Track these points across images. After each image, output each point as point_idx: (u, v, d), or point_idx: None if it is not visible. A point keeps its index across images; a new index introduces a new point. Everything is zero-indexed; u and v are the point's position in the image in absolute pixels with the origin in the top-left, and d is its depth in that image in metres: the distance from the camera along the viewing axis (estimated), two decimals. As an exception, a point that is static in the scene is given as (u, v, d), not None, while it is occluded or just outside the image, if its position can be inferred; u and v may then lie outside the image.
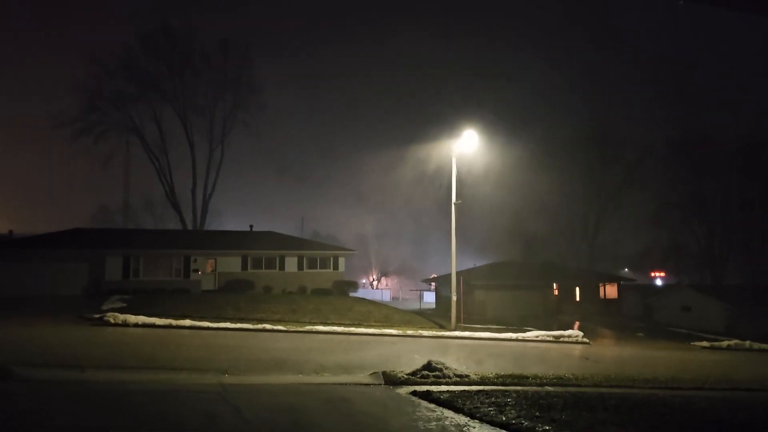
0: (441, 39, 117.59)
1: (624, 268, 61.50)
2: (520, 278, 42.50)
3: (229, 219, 68.50)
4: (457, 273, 29.33)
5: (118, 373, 11.27)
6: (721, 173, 55.34)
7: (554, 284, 44.41)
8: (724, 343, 29.47)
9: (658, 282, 60.45)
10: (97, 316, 21.58)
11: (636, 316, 44.23)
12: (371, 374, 12.34)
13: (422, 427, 7.81)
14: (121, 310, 23.45)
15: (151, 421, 7.75)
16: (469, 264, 51.02)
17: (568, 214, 53.97)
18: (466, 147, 28.63)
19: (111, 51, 72.83)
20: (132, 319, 20.99)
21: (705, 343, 29.85)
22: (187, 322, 21.47)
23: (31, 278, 31.93)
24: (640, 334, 34.16)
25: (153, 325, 20.74)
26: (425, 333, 24.76)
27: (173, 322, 21.37)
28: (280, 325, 23.00)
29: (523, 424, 7.85)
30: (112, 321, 20.62)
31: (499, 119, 51.76)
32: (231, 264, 37.02)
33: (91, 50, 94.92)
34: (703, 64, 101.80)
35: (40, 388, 9.48)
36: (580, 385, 12.49)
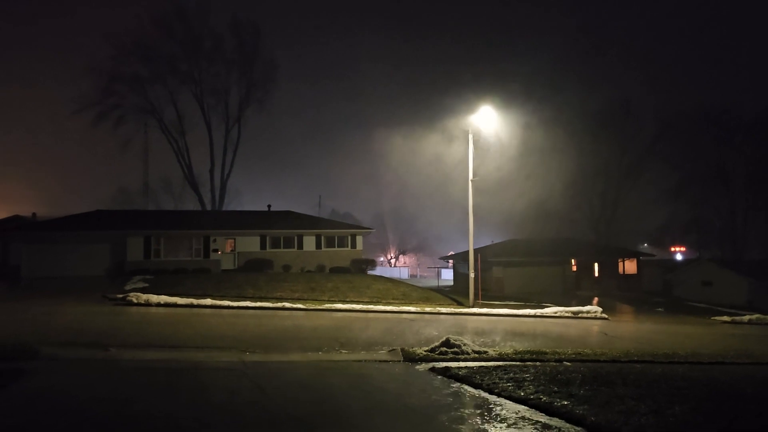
0: (456, 19, 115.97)
1: (644, 244, 60.97)
2: (538, 255, 42.36)
3: (247, 199, 69.17)
4: (475, 250, 29.31)
5: (141, 351, 11.50)
6: (742, 145, 54.34)
7: (573, 260, 44.23)
8: (746, 318, 29.24)
9: (678, 257, 59.89)
10: (120, 296, 21.97)
11: (655, 292, 43.96)
12: (390, 351, 12.46)
13: (441, 403, 7.90)
14: (144, 290, 23.83)
15: (175, 396, 7.94)
16: (487, 241, 50.97)
17: (587, 189, 53.43)
18: (483, 123, 28.39)
19: (126, 34, 73.00)
20: (154, 298, 21.35)
21: (726, 318, 29.63)
22: (208, 301, 21.77)
23: (55, 260, 32.52)
24: (660, 309, 33.97)
25: (175, 305, 21.07)
26: (443, 310, 24.87)
27: (194, 301, 21.68)
28: (299, 303, 23.24)
29: (541, 399, 7.90)
30: (134, 301, 20.98)
31: (516, 95, 51.05)
32: (250, 243, 37.35)
33: (108, 34, 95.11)
34: (724, 36, 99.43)
35: (66, 366, 9.72)
36: (598, 361, 12.48)
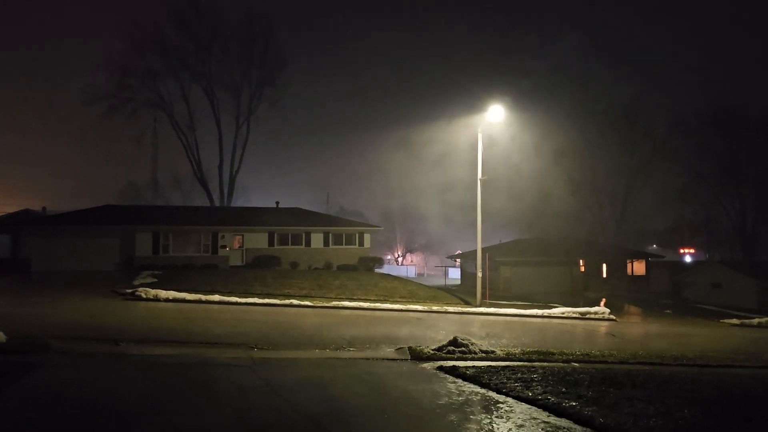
0: (466, 15, 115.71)
1: (652, 245, 60.67)
2: (546, 255, 42.26)
3: (255, 195, 69.34)
4: (483, 249, 29.25)
5: (151, 346, 11.57)
6: (754, 145, 53.80)
7: (581, 261, 44.09)
8: (755, 321, 29.07)
9: (688, 258, 59.57)
10: (130, 291, 22.10)
11: (664, 294, 43.75)
12: (397, 349, 12.47)
13: (449, 402, 7.89)
14: (152, 285, 23.95)
15: (184, 391, 7.98)
16: (495, 240, 50.89)
17: (596, 189, 53.11)
18: (492, 122, 28.30)
19: (141, 28, 73.48)
20: (163, 294, 21.45)
21: (735, 321, 29.45)
22: (216, 297, 21.85)
23: (65, 254, 32.75)
24: (668, 311, 33.81)
25: (183, 300, 21.17)
26: (451, 309, 24.85)
27: (203, 297, 21.77)
28: (306, 300, 23.29)
29: (549, 399, 7.88)
30: (143, 296, 21.10)
31: (526, 95, 50.80)
32: (258, 240, 37.47)
33: (123, 27, 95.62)
34: (735, 35, 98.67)
35: (76, 360, 9.79)
36: (606, 362, 12.45)
